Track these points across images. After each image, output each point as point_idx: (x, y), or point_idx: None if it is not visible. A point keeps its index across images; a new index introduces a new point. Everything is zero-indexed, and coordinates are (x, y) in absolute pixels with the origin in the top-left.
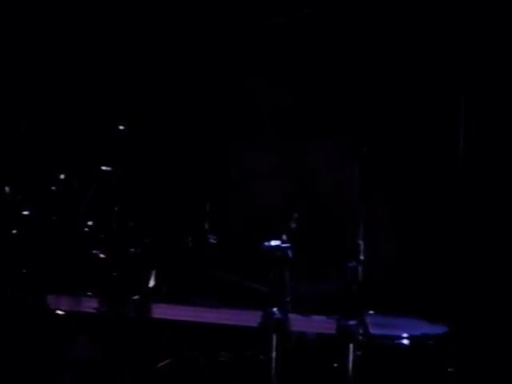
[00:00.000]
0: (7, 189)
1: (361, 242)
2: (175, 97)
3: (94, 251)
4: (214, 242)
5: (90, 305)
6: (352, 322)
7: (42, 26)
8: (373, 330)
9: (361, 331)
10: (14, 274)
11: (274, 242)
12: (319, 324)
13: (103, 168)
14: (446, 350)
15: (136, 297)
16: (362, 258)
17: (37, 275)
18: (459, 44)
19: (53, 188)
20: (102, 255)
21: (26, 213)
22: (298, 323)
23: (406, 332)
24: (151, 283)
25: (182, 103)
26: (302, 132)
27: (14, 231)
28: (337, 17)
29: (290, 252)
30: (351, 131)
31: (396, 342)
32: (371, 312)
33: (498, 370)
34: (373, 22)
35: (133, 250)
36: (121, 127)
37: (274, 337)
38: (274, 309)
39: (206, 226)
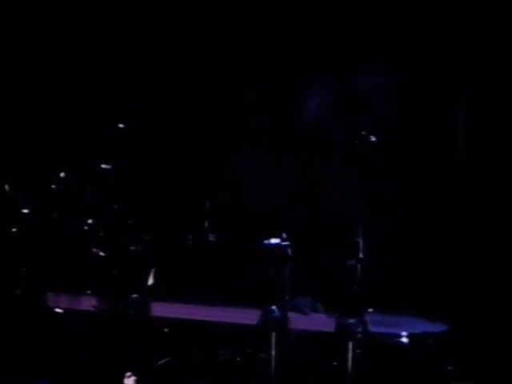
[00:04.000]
0: (7, 187)
1: (360, 241)
2: (175, 96)
3: (93, 249)
4: (214, 240)
5: (89, 303)
6: (351, 320)
7: (42, 25)
8: (372, 328)
9: (360, 329)
10: (13, 272)
11: (273, 240)
12: (319, 322)
13: (103, 166)
14: (445, 348)
15: (135, 295)
16: (361, 256)
17: (36, 273)
18: (458, 44)
19: (52, 186)
20: (101, 253)
21: (25, 211)
22: (296, 321)
23: (405, 330)
24: (150, 281)
25: (181, 102)
26: (302, 132)
27: (14, 229)
28: (336, 17)
29: (289, 250)
30: (350, 130)
31: (395, 340)
32: (371, 310)
33: (497, 368)
34: (372, 22)
35: (132, 248)
36: (120, 126)
37: (273, 335)
38: (273, 307)
39: (206, 225)
